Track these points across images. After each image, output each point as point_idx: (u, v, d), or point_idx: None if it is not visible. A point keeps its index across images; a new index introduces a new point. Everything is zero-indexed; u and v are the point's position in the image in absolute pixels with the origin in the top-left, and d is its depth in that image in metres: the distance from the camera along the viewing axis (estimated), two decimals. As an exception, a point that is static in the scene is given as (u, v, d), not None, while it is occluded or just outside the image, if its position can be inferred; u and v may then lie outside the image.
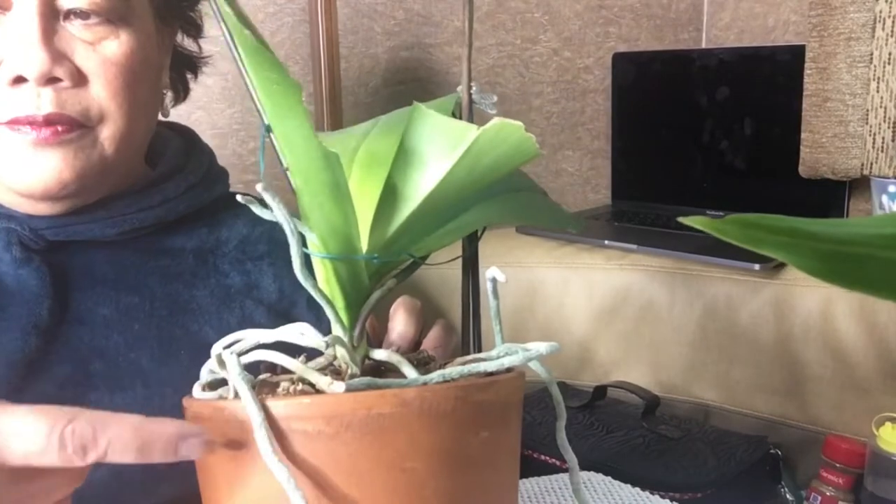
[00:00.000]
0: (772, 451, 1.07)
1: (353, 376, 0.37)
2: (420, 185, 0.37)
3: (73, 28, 0.59)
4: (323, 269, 0.39)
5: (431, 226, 0.41)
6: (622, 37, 1.59)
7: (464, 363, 0.39)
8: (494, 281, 0.41)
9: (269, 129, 0.38)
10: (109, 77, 0.60)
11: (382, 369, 0.39)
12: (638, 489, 0.75)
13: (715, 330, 1.16)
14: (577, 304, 1.24)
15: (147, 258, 0.69)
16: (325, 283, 0.39)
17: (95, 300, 0.65)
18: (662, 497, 0.73)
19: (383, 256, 0.40)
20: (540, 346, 0.40)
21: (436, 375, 0.36)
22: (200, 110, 1.23)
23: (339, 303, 0.39)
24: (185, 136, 0.78)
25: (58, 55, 0.57)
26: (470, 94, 0.43)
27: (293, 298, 0.74)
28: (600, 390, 1.19)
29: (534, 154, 0.34)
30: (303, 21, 1.29)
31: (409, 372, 0.37)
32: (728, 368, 1.15)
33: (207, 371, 0.40)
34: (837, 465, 1.01)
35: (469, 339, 0.45)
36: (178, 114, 1.24)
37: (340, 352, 0.39)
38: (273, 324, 0.72)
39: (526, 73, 1.52)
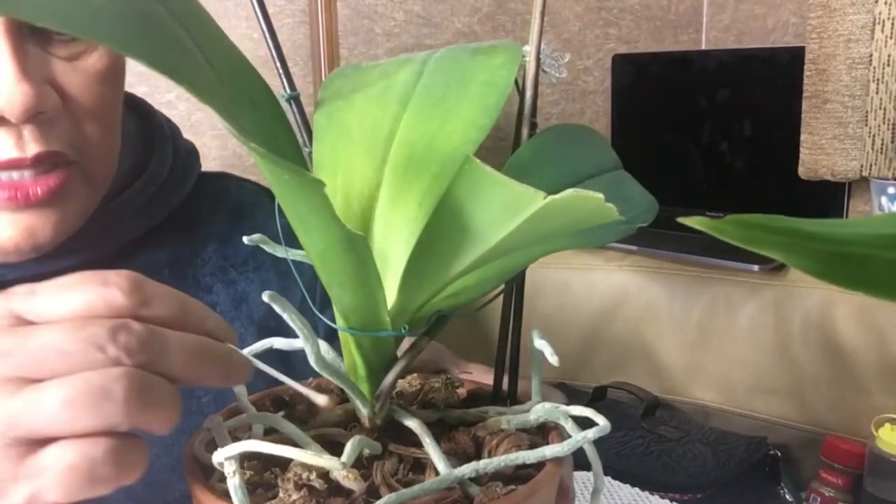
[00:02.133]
0: (771, 451, 1.07)
1: (372, 452, 0.34)
2: (462, 255, 0.30)
3: (49, 46, 0.50)
4: (343, 338, 0.35)
5: (472, 287, 0.35)
6: (622, 38, 1.59)
7: (500, 435, 0.35)
8: (540, 350, 0.37)
9: (292, 98, 0.35)
10: (94, 98, 0.52)
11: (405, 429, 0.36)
12: (637, 489, 0.75)
13: (714, 331, 1.16)
14: (577, 304, 1.24)
15: None
16: (344, 351, 0.36)
17: None
18: (662, 497, 0.73)
19: (415, 327, 0.35)
20: (588, 433, 0.35)
21: (468, 469, 0.32)
22: (200, 111, 1.23)
23: (361, 371, 0.36)
24: (142, 115, 0.65)
25: (40, 85, 0.48)
26: (539, 60, 0.36)
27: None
28: (600, 391, 1.19)
29: (612, 219, 0.27)
30: (303, 22, 1.29)
31: (440, 464, 0.33)
32: (728, 369, 1.16)
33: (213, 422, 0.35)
34: (837, 465, 1.01)
35: (510, 383, 0.40)
36: (179, 115, 1.24)
37: (358, 411, 0.36)
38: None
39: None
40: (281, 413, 0.38)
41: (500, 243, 0.29)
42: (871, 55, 1.15)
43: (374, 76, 0.40)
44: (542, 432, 0.37)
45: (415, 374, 0.42)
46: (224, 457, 0.32)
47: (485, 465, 0.32)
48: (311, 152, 0.37)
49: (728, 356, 1.15)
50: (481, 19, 1.46)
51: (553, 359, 0.36)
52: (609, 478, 0.79)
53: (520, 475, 0.34)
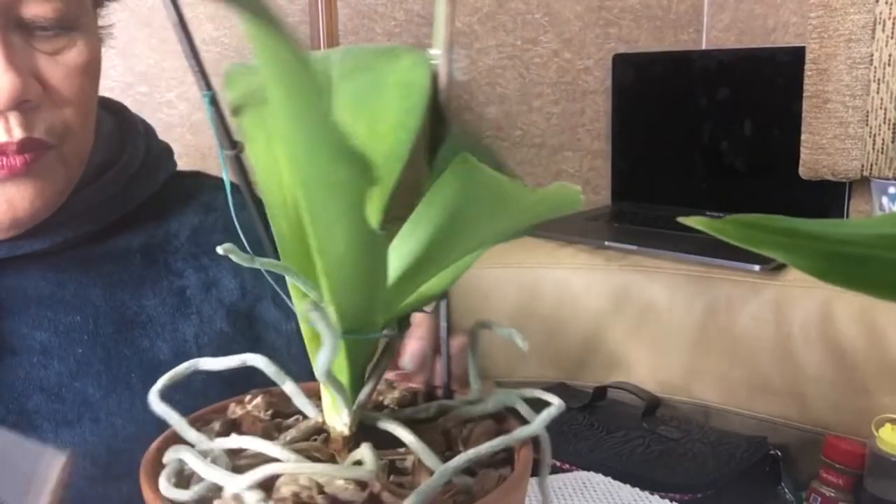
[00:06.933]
0: (772, 451, 1.07)
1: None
2: (453, 251, 0.31)
3: (33, 40, 0.53)
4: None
5: (436, 284, 0.35)
6: (622, 38, 1.59)
7: (470, 426, 0.36)
8: (475, 334, 0.38)
9: (212, 100, 0.33)
10: (74, 89, 0.55)
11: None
12: (638, 489, 0.75)
13: (715, 330, 1.16)
14: (577, 304, 1.24)
15: (88, 267, 0.61)
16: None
17: (30, 324, 0.57)
18: (662, 497, 0.73)
19: (403, 329, 0.35)
20: (550, 409, 0.34)
21: (462, 461, 0.32)
22: (200, 111, 1.23)
23: (345, 378, 0.35)
24: (117, 114, 0.69)
25: (25, 75, 0.51)
26: (449, 64, 0.35)
27: (256, 293, 0.68)
28: (600, 391, 1.19)
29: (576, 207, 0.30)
30: (303, 22, 1.29)
31: (430, 460, 0.32)
32: (728, 369, 1.16)
33: (174, 457, 0.32)
34: (837, 465, 1.01)
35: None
36: (180, 114, 1.24)
37: (331, 420, 0.35)
38: (235, 328, 0.66)
39: (526, 74, 1.52)
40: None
41: (485, 236, 0.29)
42: (871, 55, 1.15)
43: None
44: (496, 417, 0.37)
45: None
46: (168, 458, 0.32)
47: (474, 454, 0.32)
48: (234, 154, 0.37)
49: (728, 356, 1.15)
50: (481, 19, 1.46)
51: (523, 344, 0.36)
52: (609, 478, 0.79)
53: (493, 461, 0.34)
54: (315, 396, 0.38)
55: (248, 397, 0.39)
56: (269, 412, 0.38)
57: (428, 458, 0.32)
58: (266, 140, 0.36)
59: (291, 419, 0.37)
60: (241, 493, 0.29)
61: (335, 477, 0.30)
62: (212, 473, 0.30)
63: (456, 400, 0.38)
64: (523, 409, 0.35)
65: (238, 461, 0.33)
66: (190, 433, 0.34)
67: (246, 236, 0.34)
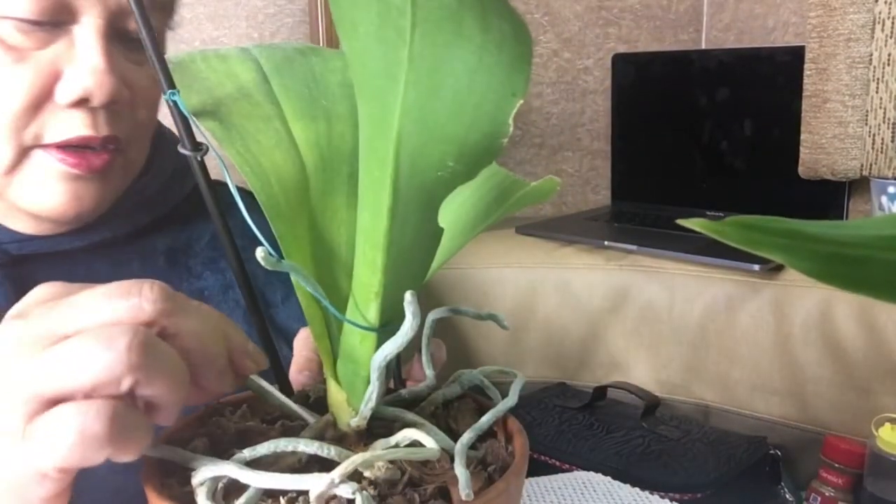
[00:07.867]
0: (771, 451, 1.07)
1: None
2: (460, 240, 0.35)
3: (126, 51, 0.60)
4: (350, 341, 0.35)
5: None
6: (622, 38, 1.59)
7: (455, 407, 0.38)
8: (434, 323, 0.39)
9: (173, 96, 0.33)
10: (149, 98, 0.62)
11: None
12: (637, 489, 0.75)
13: (714, 330, 1.16)
14: (577, 304, 1.24)
15: (117, 267, 0.66)
16: (344, 355, 0.35)
17: None
18: (662, 497, 0.73)
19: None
20: (517, 382, 0.38)
21: (472, 435, 0.34)
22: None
23: (363, 372, 0.35)
24: None
25: (118, 79, 0.58)
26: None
27: (268, 298, 0.72)
28: (600, 391, 1.19)
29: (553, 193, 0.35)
30: (303, 22, 1.29)
31: (445, 440, 0.34)
32: (728, 369, 1.16)
33: (209, 476, 0.32)
34: (837, 465, 1.01)
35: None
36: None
37: (344, 417, 0.35)
38: (252, 328, 0.70)
39: (526, 73, 1.52)
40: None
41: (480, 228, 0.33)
42: (871, 54, 1.15)
43: (215, 75, 0.39)
44: (468, 396, 0.40)
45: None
46: (201, 477, 0.31)
47: (479, 428, 0.35)
48: (201, 154, 0.37)
49: (728, 356, 1.15)
50: (481, 19, 1.46)
51: (505, 325, 0.39)
52: (609, 478, 0.79)
53: (485, 434, 0.36)
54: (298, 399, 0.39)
55: (227, 408, 0.39)
56: (257, 419, 0.38)
57: (442, 439, 0.34)
58: (242, 142, 0.37)
59: (277, 424, 0.37)
60: (333, 489, 0.29)
61: (381, 459, 0.32)
62: (285, 481, 0.30)
63: (420, 387, 0.40)
64: (487, 386, 0.39)
65: (266, 469, 0.32)
66: (202, 460, 0.33)
67: (257, 240, 0.34)
